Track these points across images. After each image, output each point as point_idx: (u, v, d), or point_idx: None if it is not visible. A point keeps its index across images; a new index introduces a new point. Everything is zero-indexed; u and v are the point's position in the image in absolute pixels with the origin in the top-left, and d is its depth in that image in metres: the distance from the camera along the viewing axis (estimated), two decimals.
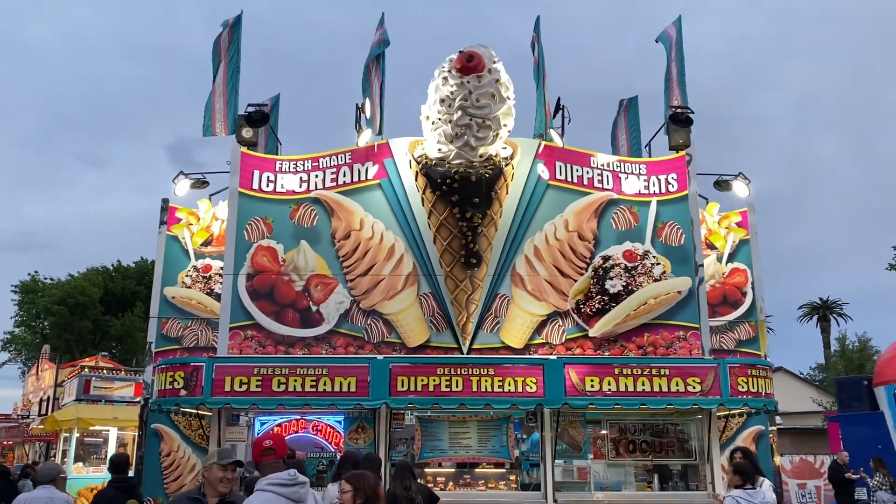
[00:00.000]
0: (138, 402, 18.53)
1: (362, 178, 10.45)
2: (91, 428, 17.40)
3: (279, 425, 9.87)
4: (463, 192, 9.69)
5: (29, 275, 42.07)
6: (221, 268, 12.49)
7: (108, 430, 17.52)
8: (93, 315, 39.84)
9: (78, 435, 17.47)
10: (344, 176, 10.48)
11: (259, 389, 8.95)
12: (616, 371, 9.09)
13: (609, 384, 9.04)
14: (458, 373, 9.02)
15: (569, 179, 10.51)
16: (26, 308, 41.48)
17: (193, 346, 11.97)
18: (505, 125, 9.91)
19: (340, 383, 9.01)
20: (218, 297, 12.33)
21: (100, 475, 17.02)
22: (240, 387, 8.94)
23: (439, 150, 9.87)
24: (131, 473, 16.70)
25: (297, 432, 9.86)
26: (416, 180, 10.15)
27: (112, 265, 44.21)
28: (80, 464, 17.48)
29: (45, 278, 42.19)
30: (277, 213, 10.37)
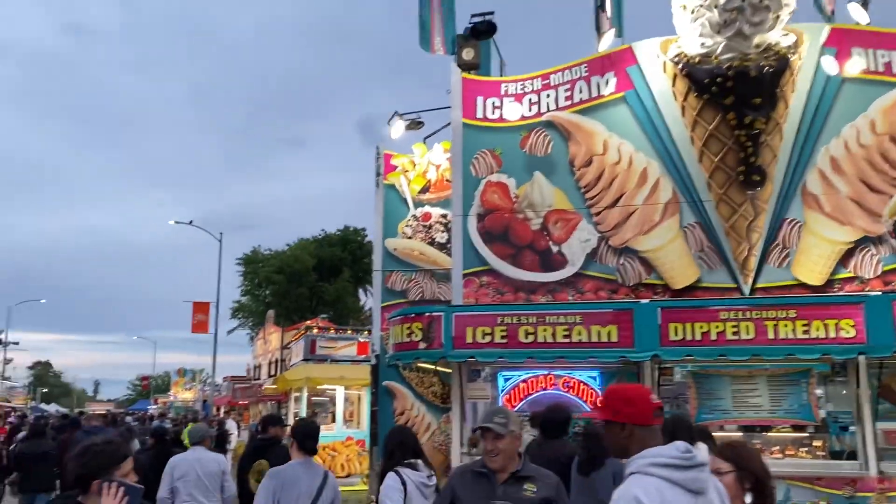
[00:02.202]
0: (361, 360, 18.56)
1: (602, 92, 8.83)
2: (319, 387, 17.60)
3: (525, 381, 8.67)
4: (739, 91, 7.76)
5: (252, 248, 45.27)
6: (442, 215, 11.58)
7: (334, 389, 17.63)
8: (308, 282, 41.95)
9: (307, 394, 17.77)
10: (580, 92, 8.92)
11: (504, 341, 7.80)
12: None
13: None
14: (749, 317, 7.26)
15: (873, 69, 8.16)
16: (249, 278, 44.65)
17: (419, 300, 11.23)
18: (786, 4, 7.81)
19: (599, 332, 7.61)
20: (441, 247, 11.46)
21: (330, 433, 17.21)
22: (483, 338, 7.84)
23: (702, 44, 7.99)
24: (347, 431, 16.91)
25: (545, 389, 8.60)
26: (672, 86, 8.35)
27: (317, 235, 46.26)
28: None
29: (265, 250, 45.15)
30: (506, 143, 9.06)
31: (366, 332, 19.69)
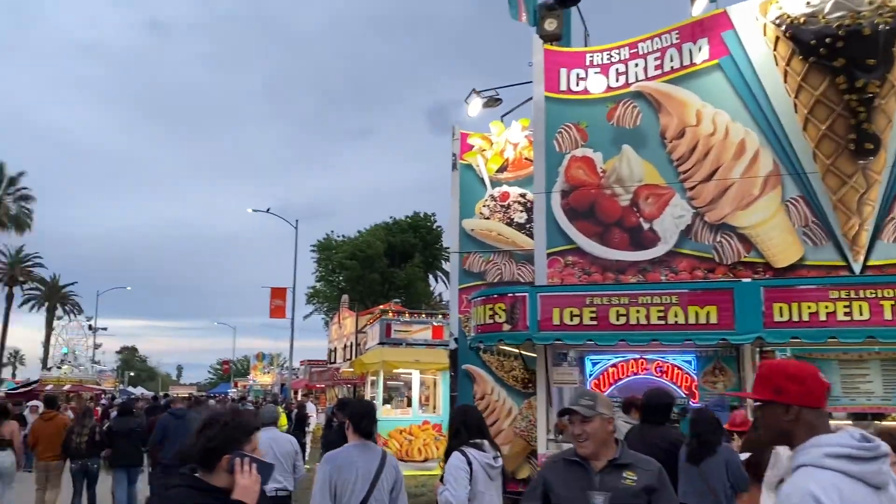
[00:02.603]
0: (437, 344, 18.43)
1: (694, 60, 8.32)
2: (395, 371, 17.58)
3: (614, 365, 8.31)
4: (851, 52, 7.15)
5: (325, 235, 45.92)
6: (521, 195, 11.25)
7: (410, 373, 17.57)
8: (379, 267, 42.26)
9: (383, 377, 17.76)
10: (671, 61, 8.43)
11: (594, 323, 7.44)
12: None
13: None
14: (862, 296, 6.68)
15: None
16: (323, 264, 45.32)
17: (497, 282, 10.95)
18: None
19: (696, 314, 7.16)
20: (519, 228, 11.16)
21: (407, 417, 17.17)
22: (571, 320, 7.50)
23: (807, 3, 7.40)
24: (423, 415, 16.87)
25: (636, 374, 8.21)
26: (773, 50, 7.78)
27: (388, 221, 46.49)
28: (388, 406, 17.81)
29: (338, 236, 45.73)
30: (592, 116, 8.66)
31: (440, 316, 19.55)
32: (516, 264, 11.03)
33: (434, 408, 17.89)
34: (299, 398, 31.41)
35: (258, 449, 2.52)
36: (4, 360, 58.97)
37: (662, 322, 7.23)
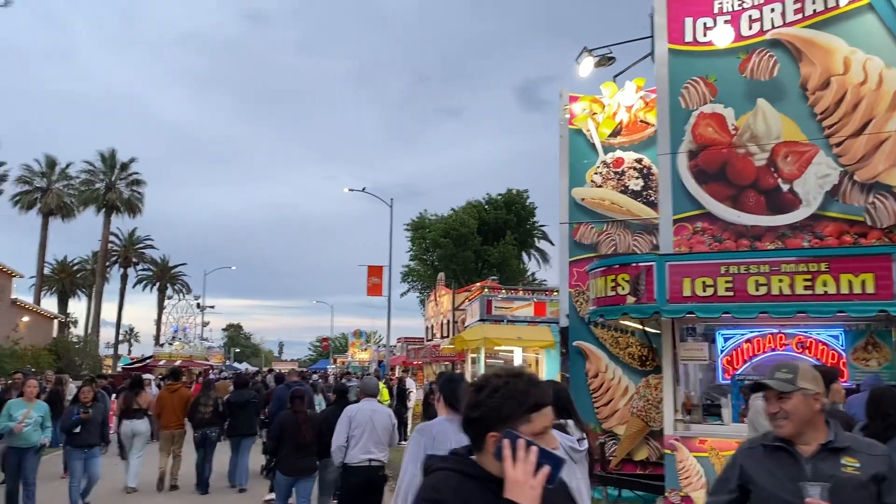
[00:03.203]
0: (540, 321, 17.98)
1: (840, 1, 7.44)
2: (496, 348, 17.24)
3: (749, 340, 7.63)
4: None
5: (419, 214, 46.08)
6: (636, 160, 10.57)
7: (511, 351, 17.20)
8: (473, 245, 42.00)
9: (484, 355, 17.48)
10: (813, 3, 7.58)
11: (730, 294, 6.80)
12: None
13: None
14: None
15: None
16: (417, 243, 45.51)
17: (612, 254, 10.34)
18: None
19: (850, 282, 6.41)
20: (635, 195, 10.49)
21: None
22: (704, 291, 6.88)
23: None
24: None
25: (774, 350, 7.52)
26: None
27: (482, 199, 46.11)
28: None
29: (431, 215, 45.76)
30: (722, 69, 7.92)
31: (542, 293, 19.05)
32: (632, 234, 10.40)
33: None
34: (397, 374, 31.68)
35: (547, 435, 1.83)
36: (120, 336, 62.66)
37: (809, 292, 6.52)
